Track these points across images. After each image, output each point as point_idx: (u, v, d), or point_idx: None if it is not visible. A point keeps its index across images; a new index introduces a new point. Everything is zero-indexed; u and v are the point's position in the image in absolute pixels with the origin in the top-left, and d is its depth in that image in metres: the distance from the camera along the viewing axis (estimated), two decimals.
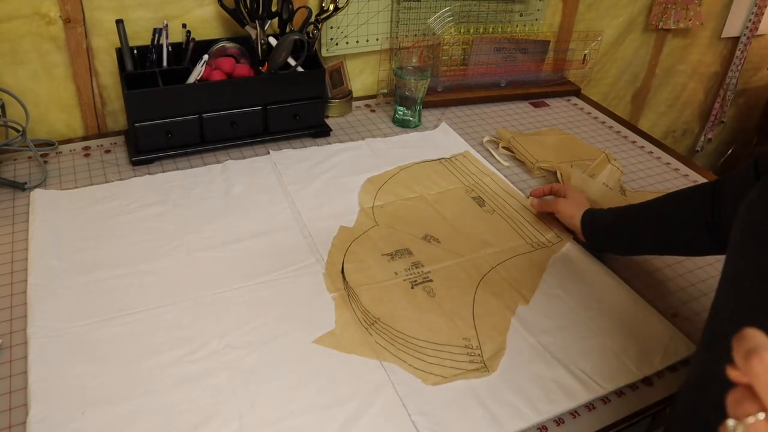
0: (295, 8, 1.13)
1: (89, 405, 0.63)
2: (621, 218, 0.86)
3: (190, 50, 1.07)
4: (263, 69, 1.09)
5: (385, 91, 1.34)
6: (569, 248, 0.92)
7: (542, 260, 0.90)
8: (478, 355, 0.73)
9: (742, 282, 0.51)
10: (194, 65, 1.05)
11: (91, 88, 1.10)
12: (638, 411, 0.69)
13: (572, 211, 0.91)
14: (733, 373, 0.29)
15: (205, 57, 1.05)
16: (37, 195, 0.93)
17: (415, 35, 1.33)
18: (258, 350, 0.71)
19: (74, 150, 1.08)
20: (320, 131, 1.17)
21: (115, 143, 1.11)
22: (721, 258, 0.93)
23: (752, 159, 0.67)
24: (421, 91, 1.21)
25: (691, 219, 0.76)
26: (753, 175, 0.65)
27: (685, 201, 0.79)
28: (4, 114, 1.00)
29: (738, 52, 1.90)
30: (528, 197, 1.02)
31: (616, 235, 0.87)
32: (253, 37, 1.09)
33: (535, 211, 0.99)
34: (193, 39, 1.07)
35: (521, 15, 1.43)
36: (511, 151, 1.17)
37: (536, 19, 1.45)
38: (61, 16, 1.02)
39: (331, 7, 1.15)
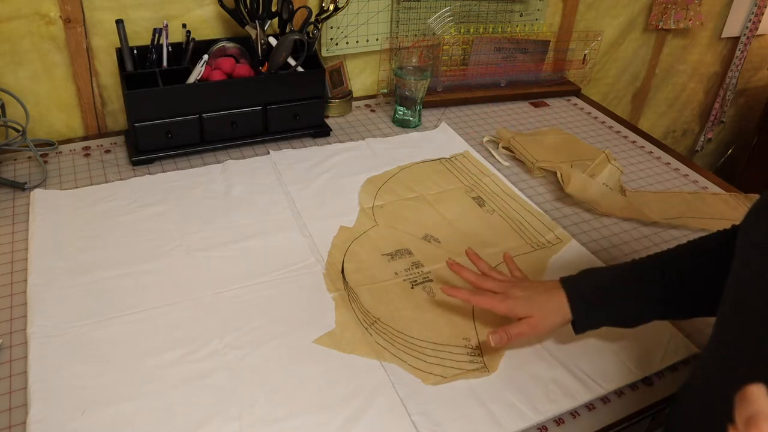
0: (295, 8, 1.13)
1: (89, 405, 0.63)
2: (623, 271, 0.69)
3: (190, 50, 1.07)
4: (263, 69, 1.09)
5: (385, 91, 1.34)
6: (569, 248, 0.92)
7: (542, 260, 0.89)
8: (478, 355, 0.73)
9: (747, 294, 0.51)
10: (194, 65, 1.05)
11: (91, 88, 1.10)
12: (638, 411, 0.69)
13: (551, 319, 0.69)
14: None
15: (205, 57, 1.05)
16: (37, 195, 0.93)
17: (415, 35, 1.33)
18: (258, 350, 0.71)
19: (74, 150, 1.08)
20: (320, 131, 1.17)
21: (115, 143, 1.11)
22: None
23: None
24: (421, 91, 1.21)
25: (717, 268, 0.62)
26: None
27: (708, 249, 0.67)
28: (4, 114, 1.00)
29: (738, 52, 1.90)
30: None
31: (621, 295, 0.68)
32: (253, 37, 1.09)
33: (500, 346, 0.70)
34: (193, 39, 1.07)
35: (521, 15, 1.43)
36: (511, 151, 1.17)
37: (536, 19, 1.45)
38: (61, 16, 1.02)
39: (331, 7, 1.15)
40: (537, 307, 0.69)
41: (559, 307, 0.68)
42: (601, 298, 0.68)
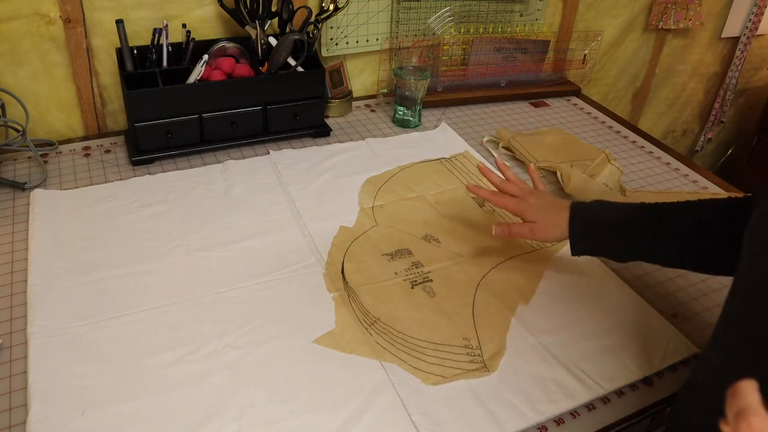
0: (295, 8, 1.13)
1: (89, 405, 0.63)
2: (630, 209, 0.75)
3: (190, 50, 1.07)
4: (263, 69, 1.09)
5: (385, 91, 1.34)
6: (569, 248, 0.92)
7: (542, 260, 0.89)
8: (478, 355, 0.73)
9: (755, 292, 0.51)
10: (194, 65, 1.05)
11: (91, 88, 1.10)
12: (638, 411, 0.69)
13: (551, 221, 0.77)
14: (725, 428, 0.30)
15: (205, 57, 1.05)
16: (37, 195, 0.93)
17: (415, 35, 1.33)
18: (258, 350, 0.71)
19: (74, 150, 1.08)
20: (320, 131, 1.17)
21: (115, 143, 1.11)
22: None
23: None
24: (421, 91, 1.21)
25: (728, 228, 0.67)
26: None
27: (721, 208, 0.71)
28: (4, 114, 1.00)
29: (738, 52, 1.90)
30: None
31: (624, 235, 0.74)
32: (253, 37, 1.09)
33: (500, 238, 0.83)
34: (193, 39, 1.07)
35: (521, 15, 1.43)
36: (511, 151, 1.17)
37: (536, 19, 1.45)
38: (61, 16, 1.02)
39: (331, 7, 1.15)
40: (543, 216, 0.78)
41: (561, 223, 0.76)
42: (598, 227, 0.75)
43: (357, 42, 1.29)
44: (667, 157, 1.23)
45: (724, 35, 1.86)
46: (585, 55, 1.47)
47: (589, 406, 0.69)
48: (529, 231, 0.79)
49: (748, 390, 0.29)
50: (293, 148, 1.13)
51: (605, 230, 0.75)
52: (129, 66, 1.05)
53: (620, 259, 0.79)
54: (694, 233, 0.71)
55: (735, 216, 0.69)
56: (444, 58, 1.34)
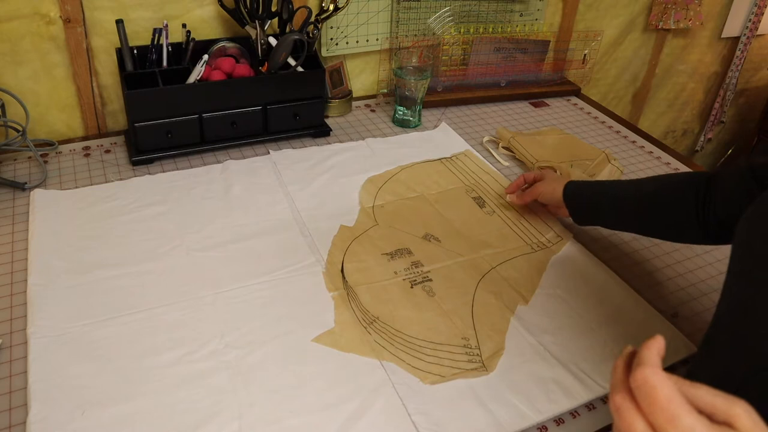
0: (295, 8, 1.13)
1: (89, 405, 0.63)
2: (607, 191, 0.86)
3: (190, 50, 1.07)
4: (263, 69, 1.09)
5: (385, 91, 1.34)
6: (569, 248, 0.92)
7: (542, 261, 0.90)
8: (477, 354, 0.73)
9: (747, 285, 0.51)
10: (194, 65, 1.05)
11: (91, 88, 1.10)
12: None
13: (552, 186, 0.92)
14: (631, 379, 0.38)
15: (205, 57, 1.05)
16: (37, 195, 0.94)
17: (415, 35, 1.33)
18: (258, 350, 0.71)
19: (74, 150, 1.08)
20: (320, 131, 1.17)
21: (115, 143, 1.11)
22: (722, 258, 0.94)
23: (746, 163, 0.66)
24: (421, 91, 1.21)
25: (680, 205, 0.76)
26: (752, 183, 0.65)
27: (676, 186, 0.78)
28: (4, 114, 1.00)
29: (738, 52, 1.90)
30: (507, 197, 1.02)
31: (600, 208, 0.87)
32: (253, 37, 1.09)
33: (516, 205, 1.00)
34: (193, 39, 1.07)
35: (521, 15, 1.43)
36: (511, 151, 1.17)
37: (536, 19, 1.45)
38: (61, 16, 1.02)
39: (331, 7, 1.15)
40: (548, 181, 0.94)
41: (558, 188, 0.90)
42: (585, 195, 0.89)
43: (357, 42, 1.29)
44: (667, 157, 1.23)
45: (724, 35, 1.86)
46: (585, 55, 1.48)
47: (589, 406, 0.69)
48: (531, 191, 0.95)
49: (651, 345, 0.36)
50: (293, 148, 1.13)
51: (592, 205, 0.88)
52: (129, 66, 1.05)
53: (612, 229, 0.92)
54: (665, 200, 0.79)
55: (702, 185, 0.74)
56: (444, 58, 1.34)
